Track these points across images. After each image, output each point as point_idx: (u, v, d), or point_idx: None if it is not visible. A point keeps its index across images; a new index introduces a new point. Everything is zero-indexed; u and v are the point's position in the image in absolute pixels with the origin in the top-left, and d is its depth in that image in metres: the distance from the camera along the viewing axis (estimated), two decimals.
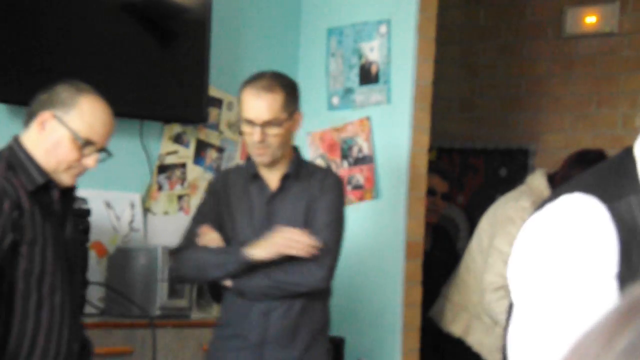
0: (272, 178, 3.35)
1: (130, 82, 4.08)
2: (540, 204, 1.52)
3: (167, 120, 4.29)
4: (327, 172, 3.49)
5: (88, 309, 3.77)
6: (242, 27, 4.57)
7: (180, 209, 4.36)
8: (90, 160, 2.76)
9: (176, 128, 4.35)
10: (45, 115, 2.68)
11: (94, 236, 3.81)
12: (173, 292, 3.93)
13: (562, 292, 1.38)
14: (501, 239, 3.92)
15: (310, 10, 4.72)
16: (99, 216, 3.93)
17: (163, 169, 4.31)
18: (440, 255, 4.78)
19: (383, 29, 4.45)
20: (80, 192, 3.87)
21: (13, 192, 2.62)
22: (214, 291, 3.98)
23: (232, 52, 4.52)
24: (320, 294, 3.36)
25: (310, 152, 4.67)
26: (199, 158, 4.42)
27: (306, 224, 3.29)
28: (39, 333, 2.69)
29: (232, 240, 3.32)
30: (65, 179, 2.77)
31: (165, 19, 4.19)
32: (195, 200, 4.42)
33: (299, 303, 3.30)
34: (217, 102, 4.46)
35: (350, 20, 4.56)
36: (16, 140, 2.74)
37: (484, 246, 4.11)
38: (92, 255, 3.90)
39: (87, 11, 3.95)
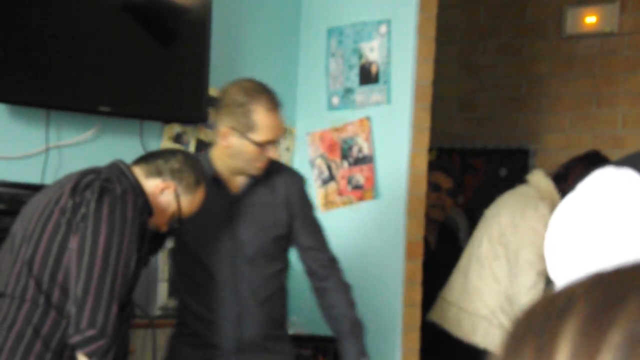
0: (234, 180, 3.26)
1: (130, 82, 4.08)
2: (576, 188, 1.52)
3: (167, 120, 4.29)
4: (292, 174, 3.37)
5: None
6: (242, 27, 4.57)
7: None
8: (164, 228, 3.04)
9: (176, 128, 4.35)
10: (169, 184, 2.95)
11: None
12: (173, 292, 3.93)
13: (610, 262, 1.38)
14: (529, 251, 3.90)
15: (310, 10, 4.72)
16: None
17: None
18: (444, 256, 4.78)
19: (383, 29, 4.45)
20: None
21: (146, 207, 2.88)
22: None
23: (232, 52, 4.52)
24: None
25: (310, 152, 4.68)
26: None
27: (272, 228, 3.26)
28: (125, 335, 2.88)
29: (194, 244, 3.25)
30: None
31: (165, 19, 4.19)
32: None
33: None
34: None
35: (350, 20, 4.56)
36: (128, 169, 2.94)
37: (498, 253, 4.05)
38: None
39: (87, 11, 3.95)
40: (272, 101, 3.14)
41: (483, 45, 6.25)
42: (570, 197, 1.48)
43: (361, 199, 4.49)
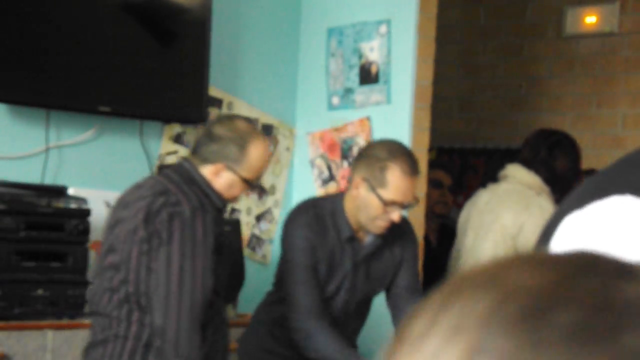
0: (363, 236, 3.35)
1: (130, 82, 4.08)
2: (578, 198, 1.38)
3: (167, 120, 4.29)
4: (409, 235, 3.47)
5: (88, 309, 3.77)
6: (242, 27, 4.57)
7: None
8: (249, 192, 3.18)
9: (176, 128, 4.35)
10: (218, 167, 3.01)
11: (93, 236, 3.81)
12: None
13: None
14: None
15: (310, 10, 4.72)
16: (99, 216, 3.93)
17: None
18: (444, 254, 4.78)
19: (383, 29, 4.45)
20: (80, 192, 3.87)
21: (217, 218, 2.96)
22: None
23: (232, 52, 4.52)
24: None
25: (310, 152, 4.67)
26: None
27: (380, 281, 3.40)
28: (224, 334, 3.05)
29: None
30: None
31: (165, 19, 4.19)
32: None
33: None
34: (217, 102, 4.46)
35: (350, 20, 4.56)
36: (195, 168, 3.01)
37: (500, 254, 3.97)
38: (92, 255, 3.90)
39: (87, 11, 3.95)
40: (411, 166, 3.18)
41: (483, 45, 6.25)
42: (582, 220, 1.31)
43: None
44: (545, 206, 3.88)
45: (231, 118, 3.11)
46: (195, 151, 3.06)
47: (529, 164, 3.99)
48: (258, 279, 4.36)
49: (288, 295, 3.27)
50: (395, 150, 3.19)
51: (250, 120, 3.13)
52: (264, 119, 4.63)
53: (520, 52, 6.11)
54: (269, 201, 4.67)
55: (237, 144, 3.00)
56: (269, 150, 3.14)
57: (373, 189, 3.16)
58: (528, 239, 3.89)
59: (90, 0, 3.97)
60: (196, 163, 3.02)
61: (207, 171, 3.00)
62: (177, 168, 3.03)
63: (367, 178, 3.17)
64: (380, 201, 3.16)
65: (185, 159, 3.06)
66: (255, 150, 3.02)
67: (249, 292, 4.24)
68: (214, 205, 2.97)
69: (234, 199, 3.09)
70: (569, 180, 4.00)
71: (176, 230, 2.82)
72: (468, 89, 6.28)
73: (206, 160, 3.01)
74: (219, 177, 3.00)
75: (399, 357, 0.56)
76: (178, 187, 2.92)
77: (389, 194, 3.15)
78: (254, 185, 3.07)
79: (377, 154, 3.18)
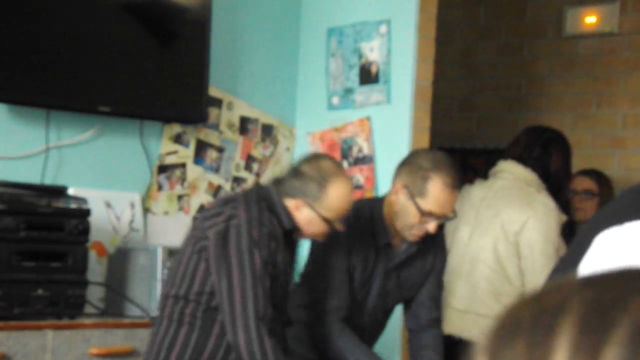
0: (398, 243, 3.36)
1: (130, 82, 4.08)
2: (615, 215, 1.29)
3: (167, 120, 4.29)
4: (441, 247, 3.50)
5: (88, 309, 3.77)
6: (242, 27, 4.57)
7: (180, 209, 4.36)
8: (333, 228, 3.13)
9: (176, 128, 4.35)
10: (297, 203, 3.05)
11: (94, 236, 3.81)
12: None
13: None
14: (544, 245, 3.82)
15: (310, 10, 4.72)
16: (99, 216, 3.93)
17: (163, 169, 4.31)
18: None
19: (383, 29, 4.45)
20: (80, 192, 3.88)
21: (277, 233, 2.98)
22: None
23: (232, 52, 4.52)
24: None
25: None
26: (198, 158, 4.43)
27: (410, 289, 3.44)
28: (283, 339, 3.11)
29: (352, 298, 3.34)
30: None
31: (165, 19, 4.19)
32: (195, 200, 4.41)
33: None
34: (217, 102, 4.46)
35: (350, 20, 4.56)
36: (278, 193, 3.05)
37: (510, 253, 3.90)
38: (92, 255, 3.90)
39: (88, 11, 3.95)
40: (453, 179, 3.19)
41: (483, 45, 6.25)
42: (618, 237, 1.27)
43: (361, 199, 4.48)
44: (548, 203, 3.86)
45: (318, 157, 3.14)
46: (280, 183, 3.09)
47: (523, 161, 3.97)
48: None
49: (317, 295, 3.28)
50: (439, 161, 3.19)
51: (337, 161, 3.16)
52: (264, 119, 4.63)
53: (520, 52, 6.11)
54: None
55: (318, 183, 3.02)
56: (352, 192, 3.12)
57: (412, 197, 3.16)
58: (531, 237, 3.86)
59: (90, 0, 3.97)
60: (281, 193, 3.06)
61: (289, 204, 3.04)
62: (261, 187, 3.10)
63: (408, 185, 3.17)
64: (418, 210, 3.15)
65: (276, 184, 3.09)
66: (335, 191, 3.03)
67: None
68: (280, 225, 3.00)
69: (316, 236, 3.10)
70: (561, 179, 3.99)
71: (232, 244, 2.89)
72: (468, 89, 6.28)
73: (287, 194, 3.04)
74: (299, 212, 3.03)
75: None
76: (245, 200, 2.97)
77: (427, 204, 3.15)
78: (334, 225, 3.05)
79: (420, 163, 3.18)
